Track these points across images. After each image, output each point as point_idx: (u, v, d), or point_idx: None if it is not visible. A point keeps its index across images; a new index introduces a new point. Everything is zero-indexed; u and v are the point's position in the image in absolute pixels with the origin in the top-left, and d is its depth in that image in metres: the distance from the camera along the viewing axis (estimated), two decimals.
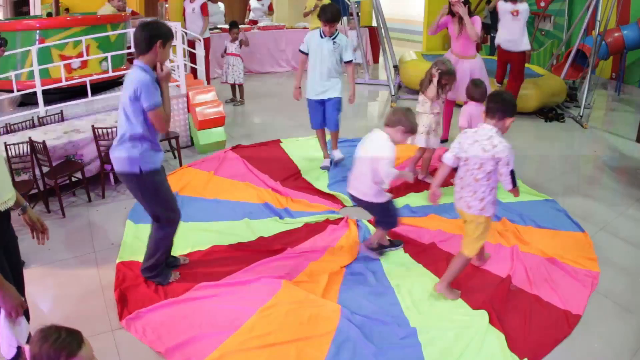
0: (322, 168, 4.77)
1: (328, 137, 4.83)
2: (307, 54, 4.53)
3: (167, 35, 2.68)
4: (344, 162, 4.92)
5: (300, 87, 4.64)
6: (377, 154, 2.98)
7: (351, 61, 4.53)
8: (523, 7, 5.70)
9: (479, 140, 2.66)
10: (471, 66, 4.95)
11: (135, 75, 2.61)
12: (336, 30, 4.44)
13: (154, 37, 2.63)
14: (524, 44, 5.79)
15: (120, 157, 2.72)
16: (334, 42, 4.40)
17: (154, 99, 2.60)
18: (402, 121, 2.98)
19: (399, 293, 2.91)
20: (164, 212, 2.89)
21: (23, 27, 5.25)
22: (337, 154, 4.86)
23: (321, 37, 4.42)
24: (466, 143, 2.72)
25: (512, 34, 5.74)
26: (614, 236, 3.66)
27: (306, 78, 4.60)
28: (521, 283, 3.01)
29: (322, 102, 4.59)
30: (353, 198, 3.24)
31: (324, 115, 4.66)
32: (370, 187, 3.05)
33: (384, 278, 3.08)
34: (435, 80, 4.12)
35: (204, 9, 7.26)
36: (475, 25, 4.89)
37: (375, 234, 3.36)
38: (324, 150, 4.85)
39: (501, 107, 2.65)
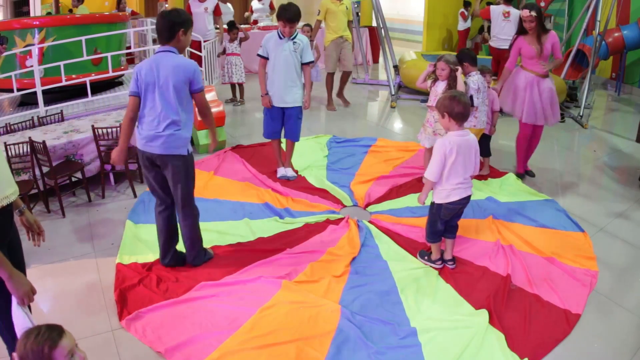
0: (281, 178, 4.49)
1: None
2: (267, 58, 4.24)
3: (188, 23, 2.81)
4: (339, 162, 4.93)
5: (268, 94, 4.27)
6: (477, 147, 2.99)
7: (310, 63, 4.32)
8: (515, 12, 6.27)
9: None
10: (553, 85, 4.41)
11: (180, 59, 2.77)
12: (295, 30, 4.22)
13: (175, 25, 2.75)
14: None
15: (170, 139, 2.81)
16: (294, 43, 4.19)
17: (200, 83, 2.83)
18: None
19: (402, 292, 2.91)
20: (192, 194, 3.02)
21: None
22: (291, 173, 4.55)
23: (280, 38, 4.19)
24: (480, 82, 4.22)
25: (503, 33, 6.30)
26: (613, 236, 3.66)
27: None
28: (521, 282, 3.01)
29: (282, 110, 4.34)
30: (466, 200, 2.99)
31: (281, 125, 4.42)
32: None
33: (389, 278, 3.07)
34: (459, 76, 4.08)
35: (217, 9, 7.28)
36: (556, 41, 4.25)
37: (450, 246, 3.18)
38: (280, 160, 4.58)
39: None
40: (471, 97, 4.17)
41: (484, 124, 4.36)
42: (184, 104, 2.82)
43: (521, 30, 4.25)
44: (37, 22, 5.28)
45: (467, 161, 2.91)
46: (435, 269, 3.14)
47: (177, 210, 3.03)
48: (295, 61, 4.22)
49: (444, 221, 3.06)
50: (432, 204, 3.06)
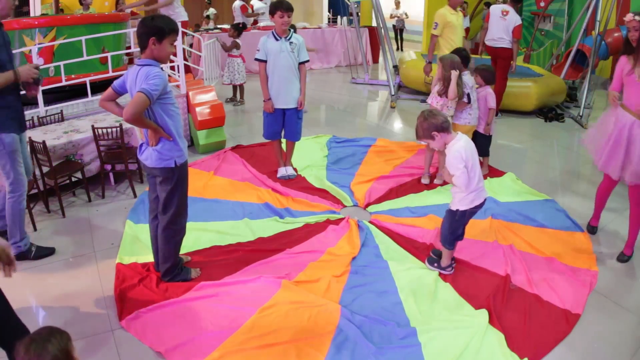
0: (281, 177, 4.52)
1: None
2: (265, 61, 4.21)
3: (160, 31, 2.58)
4: (339, 162, 4.93)
5: (270, 99, 4.27)
6: None
7: (306, 62, 4.31)
8: (513, 13, 6.30)
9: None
10: None
11: (141, 70, 2.57)
12: (290, 30, 4.23)
13: (145, 34, 2.58)
14: (507, 42, 6.30)
15: (155, 152, 2.70)
16: (291, 43, 4.18)
17: (150, 85, 2.49)
18: None
19: (402, 292, 2.91)
20: (181, 208, 2.87)
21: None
22: (291, 171, 4.60)
23: (276, 39, 4.17)
24: (470, 81, 4.34)
25: (499, 32, 6.32)
26: (613, 236, 3.67)
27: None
28: (520, 282, 3.02)
29: (283, 111, 4.35)
30: (485, 200, 2.97)
31: (281, 125, 4.42)
32: None
33: (389, 278, 3.07)
34: (454, 79, 4.06)
35: None
36: None
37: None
38: (281, 160, 4.60)
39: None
40: (468, 94, 4.23)
41: (476, 121, 4.44)
42: (159, 115, 2.65)
43: (626, 48, 3.24)
44: (37, 23, 5.29)
45: (477, 159, 2.91)
46: (447, 275, 3.10)
47: (158, 217, 2.91)
48: (293, 61, 4.21)
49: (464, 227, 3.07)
50: (456, 211, 2.96)
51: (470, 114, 4.36)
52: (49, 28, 5.10)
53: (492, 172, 4.68)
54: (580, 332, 2.65)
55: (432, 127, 2.78)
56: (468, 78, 4.30)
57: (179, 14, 6.99)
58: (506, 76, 6.43)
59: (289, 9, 4.12)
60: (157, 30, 2.58)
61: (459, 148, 2.79)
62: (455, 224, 3.00)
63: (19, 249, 3.24)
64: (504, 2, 6.67)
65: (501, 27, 6.29)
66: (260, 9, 10.14)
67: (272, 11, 4.18)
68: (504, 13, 6.34)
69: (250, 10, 9.84)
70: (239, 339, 2.52)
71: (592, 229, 3.74)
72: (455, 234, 3.05)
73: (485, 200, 2.96)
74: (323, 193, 4.25)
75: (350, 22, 10.20)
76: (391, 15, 13.02)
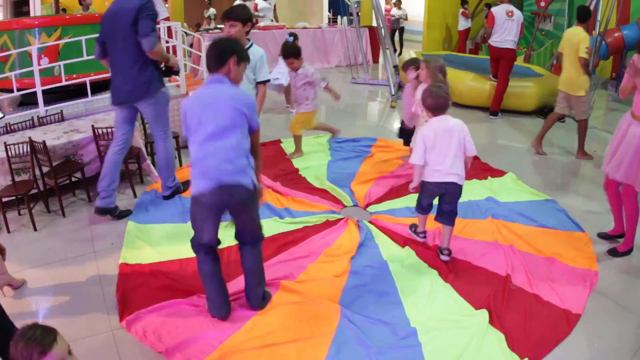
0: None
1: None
2: None
3: (241, 54, 2.55)
4: (339, 162, 4.92)
5: None
6: (463, 130, 3.05)
7: (265, 82, 3.69)
8: (518, 13, 6.43)
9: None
10: None
11: (233, 89, 2.51)
12: (249, 40, 3.63)
13: (228, 52, 2.49)
14: (512, 43, 6.37)
15: (245, 180, 2.43)
16: None
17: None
18: None
19: (402, 292, 2.91)
20: (259, 224, 2.70)
21: None
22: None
23: None
24: (308, 73, 4.82)
25: (506, 33, 6.36)
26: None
27: None
28: (521, 282, 3.01)
29: None
30: (452, 187, 3.07)
31: None
32: (463, 168, 3.11)
33: (389, 278, 3.08)
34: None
35: None
36: None
37: (446, 234, 3.25)
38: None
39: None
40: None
41: (314, 108, 5.02)
42: (246, 135, 2.56)
43: None
44: (38, 22, 5.30)
45: (447, 145, 3.01)
46: (419, 241, 3.42)
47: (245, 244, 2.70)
48: (245, 79, 3.35)
49: (430, 200, 3.28)
50: (422, 182, 3.22)
51: (307, 104, 4.94)
52: (54, 27, 5.12)
53: (493, 172, 4.68)
54: (580, 332, 2.65)
55: (424, 101, 3.08)
56: (306, 70, 4.81)
57: (161, 13, 6.94)
58: (508, 76, 6.44)
59: (225, 18, 3.52)
60: (238, 52, 2.55)
61: (429, 127, 3.05)
62: (420, 191, 3.26)
63: (175, 184, 4.03)
64: (502, 1, 6.66)
65: (510, 27, 6.33)
66: (263, 9, 10.13)
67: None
68: (510, 14, 6.36)
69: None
70: (239, 339, 2.52)
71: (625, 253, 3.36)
72: (420, 202, 3.32)
73: (445, 184, 3.07)
74: (323, 193, 4.25)
75: (350, 22, 10.20)
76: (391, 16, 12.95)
